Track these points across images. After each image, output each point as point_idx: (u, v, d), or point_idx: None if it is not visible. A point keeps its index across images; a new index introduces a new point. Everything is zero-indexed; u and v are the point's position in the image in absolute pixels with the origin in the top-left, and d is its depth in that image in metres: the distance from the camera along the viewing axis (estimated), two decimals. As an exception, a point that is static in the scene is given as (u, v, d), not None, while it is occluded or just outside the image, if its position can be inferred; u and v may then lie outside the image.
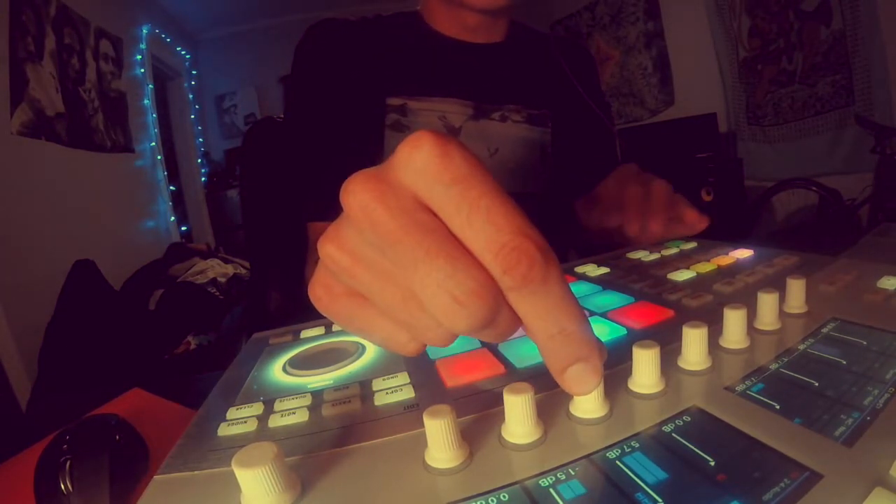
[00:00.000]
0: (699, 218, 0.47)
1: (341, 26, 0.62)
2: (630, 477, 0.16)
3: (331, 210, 0.18)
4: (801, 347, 0.23)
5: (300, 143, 0.61)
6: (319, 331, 0.35)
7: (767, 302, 0.25)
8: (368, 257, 0.17)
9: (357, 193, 0.15)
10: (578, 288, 0.37)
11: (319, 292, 0.19)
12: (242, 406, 0.24)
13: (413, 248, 0.15)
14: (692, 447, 0.17)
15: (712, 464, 0.16)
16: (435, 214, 0.15)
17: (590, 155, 0.72)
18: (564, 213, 0.67)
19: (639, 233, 0.48)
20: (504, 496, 0.16)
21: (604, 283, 0.37)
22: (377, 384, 0.25)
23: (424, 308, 0.16)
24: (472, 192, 0.15)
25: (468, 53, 0.63)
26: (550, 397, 0.21)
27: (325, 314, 0.19)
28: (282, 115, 0.75)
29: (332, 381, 0.26)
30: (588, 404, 0.19)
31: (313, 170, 0.58)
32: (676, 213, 0.47)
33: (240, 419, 0.23)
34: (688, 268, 0.37)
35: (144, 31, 2.75)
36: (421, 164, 0.15)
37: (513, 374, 0.24)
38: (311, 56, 0.61)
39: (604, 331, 0.28)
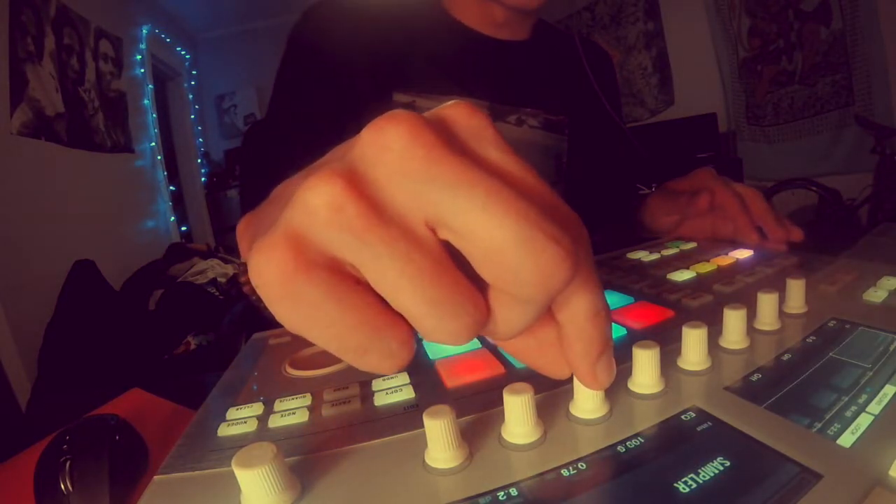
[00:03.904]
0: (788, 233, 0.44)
1: (345, 9, 0.55)
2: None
3: None
4: (801, 348, 0.23)
5: (285, 140, 0.54)
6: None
7: (767, 302, 0.25)
8: (399, 208, 0.13)
9: (404, 124, 0.12)
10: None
11: (283, 255, 0.12)
12: (242, 406, 0.24)
13: (489, 189, 0.12)
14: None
15: (713, 464, 0.16)
16: None
17: (605, 166, 0.69)
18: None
19: (758, 242, 0.44)
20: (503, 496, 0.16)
21: (604, 283, 0.37)
22: (377, 384, 0.25)
23: (458, 283, 0.13)
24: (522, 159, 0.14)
25: (490, 49, 0.58)
26: (550, 397, 0.21)
27: (269, 292, 0.13)
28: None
29: (331, 382, 0.26)
30: (588, 404, 0.19)
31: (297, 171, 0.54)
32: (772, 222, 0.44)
33: (240, 419, 0.23)
34: (688, 268, 0.37)
35: (144, 31, 2.74)
36: (477, 125, 0.14)
37: (513, 374, 0.24)
38: (307, 41, 0.55)
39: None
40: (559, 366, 0.17)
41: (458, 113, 0.14)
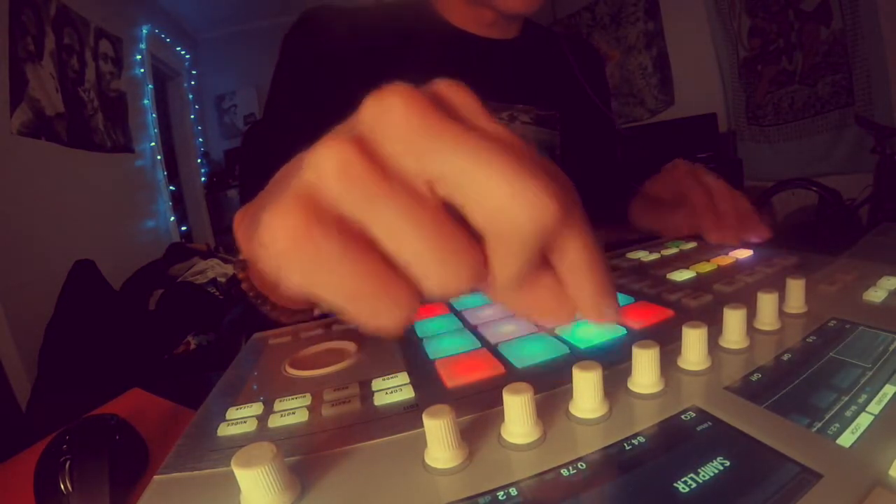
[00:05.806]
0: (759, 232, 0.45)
1: (338, 14, 0.57)
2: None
3: None
4: (801, 347, 0.23)
5: (283, 140, 0.55)
6: (319, 331, 0.35)
7: (767, 302, 0.25)
8: (400, 167, 0.14)
9: (403, 92, 0.14)
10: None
11: (297, 214, 0.13)
12: (242, 406, 0.24)
13: (479, 144, 0.13)
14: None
15: (713, 464, 0.16)
16: None
17: (597, 160, 0.71)
18: None
19: (721, 241, 0.45)
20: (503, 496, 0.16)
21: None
22: (377, 384, 0.25)
23: (457, 233, 0.14)
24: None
25: (480, 48, 0.60)
26: (550, 397, 0.21)
27: (282, 251, 0.13)
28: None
29: (331, 382, 0.26)
30: (588, 404, 0.19)
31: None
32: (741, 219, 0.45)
33: (240, 419, 0.23)
34: (688, 268, 0.37)
35: (144, 31, 2.74)
36: (465, 100, 0.15)
37: (513, 374, 0.24)
38: (301, 46, 0.56)
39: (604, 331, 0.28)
40: (563, 309, 0.17)
41: (448, 89, 0.15)
